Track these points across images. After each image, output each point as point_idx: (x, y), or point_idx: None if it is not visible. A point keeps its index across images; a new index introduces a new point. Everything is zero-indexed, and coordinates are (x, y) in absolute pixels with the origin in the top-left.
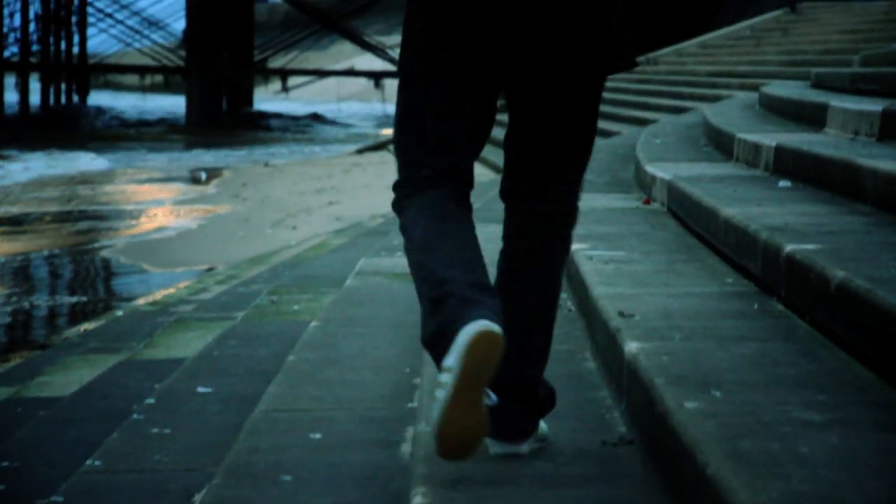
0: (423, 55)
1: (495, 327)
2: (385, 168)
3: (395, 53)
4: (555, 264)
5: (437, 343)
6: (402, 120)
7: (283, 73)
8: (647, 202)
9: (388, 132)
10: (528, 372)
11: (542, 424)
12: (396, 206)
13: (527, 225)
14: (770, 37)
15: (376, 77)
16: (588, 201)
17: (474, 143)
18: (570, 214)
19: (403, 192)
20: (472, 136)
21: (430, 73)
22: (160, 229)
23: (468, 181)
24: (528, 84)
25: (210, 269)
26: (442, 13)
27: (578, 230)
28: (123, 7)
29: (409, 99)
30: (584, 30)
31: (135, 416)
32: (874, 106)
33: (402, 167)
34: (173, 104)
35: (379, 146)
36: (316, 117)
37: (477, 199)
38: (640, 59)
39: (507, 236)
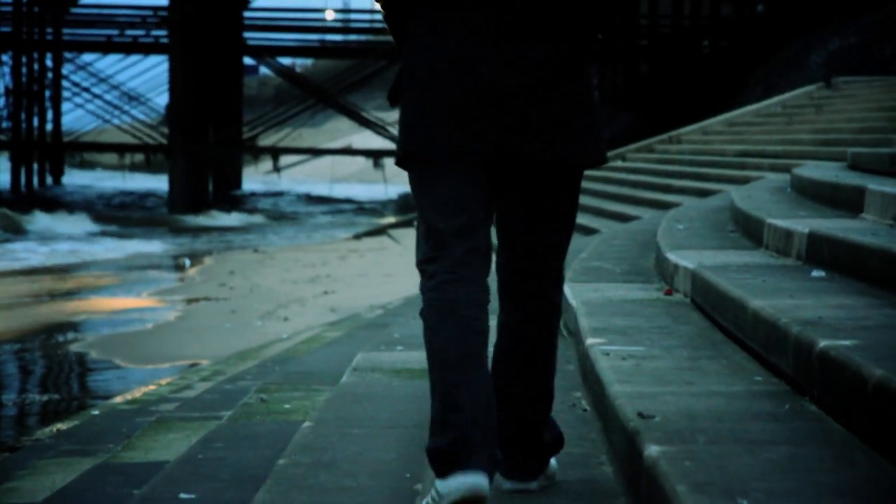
0: (423, 142)
1: (481, 487)
2: (384, 255)
3: (396, 131)
4: (547, 326)
5: (434, 461)
6: (423, 203)
7: (275, 152)
8: (668, 293)
9: (390, 217)
10: (533, 422)
11: (553, 462)
12: (423, 289)
13: (520, 296)
14: (803, 114)
15: (375, 156)
16: (605, 292)
17: (485, 218)
18: (558, 283)
19: (429, 274)
20: (482, 209)
21: (428, 160)
22: (139, 321)
23: (488, 257)
24: (514, 169)
25: (194, 365)
26: (437, 105)
27: (594, 323)
28: (101, 81)
29: (421, 183)
30: (556, 124)
31: None
32: None
33: (428, 249)
34: (156, 185)
35: (378, 231)
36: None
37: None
38: (663, 136)
39: (502, 307)
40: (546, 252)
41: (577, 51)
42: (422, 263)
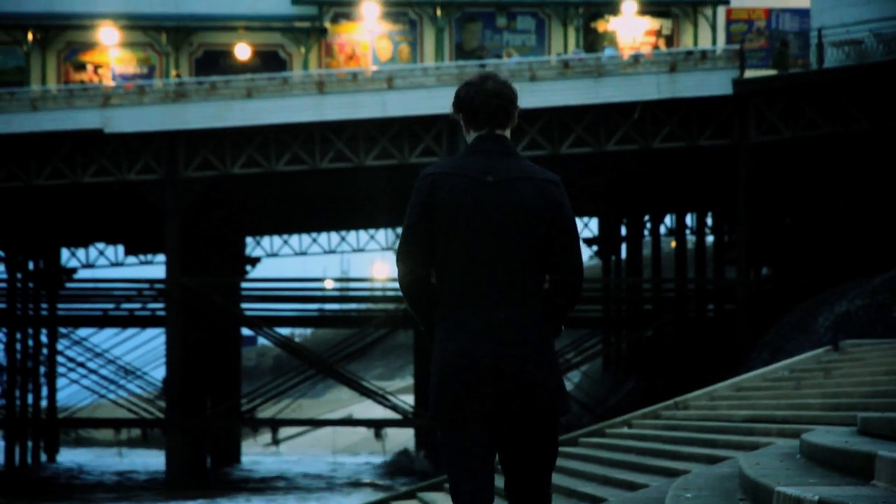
0: (440, 408)
1: None
2: None
3: (397, 400)
4: None
5: None
6: (443, 452)
7: (274, 424)
8: None
9: (390, 485)
10: None
11: None
12: None
13: None
14: (811, 378)
15: (377, 426)
16: None
17: (488, 461)
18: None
19: None
20: (485, 455)
21: (454, 423)
22: None
23: (491, 492)
24: (504, 423)
25: None
26: (447, 383)
27: None
28: (97, 355)
29: (443, 438)
30: (528, 392)
31: None
32: None
33: (451, 490)
34: (153, 461)
35: None
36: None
37: None
38: (669, 402)
39: None
40: (533, 482)
41: (546, 341)
42: (452, 498)
